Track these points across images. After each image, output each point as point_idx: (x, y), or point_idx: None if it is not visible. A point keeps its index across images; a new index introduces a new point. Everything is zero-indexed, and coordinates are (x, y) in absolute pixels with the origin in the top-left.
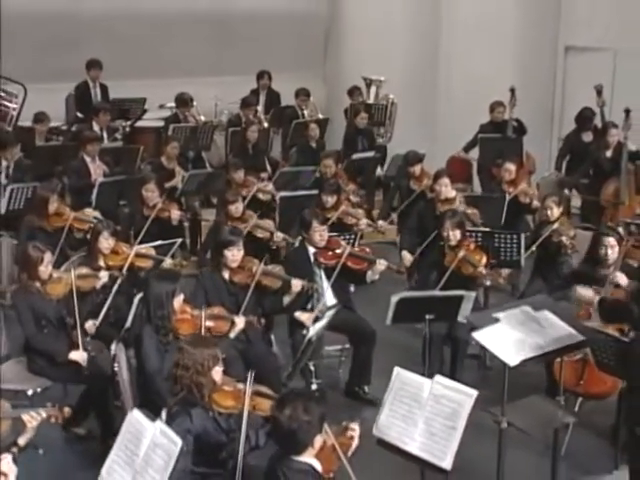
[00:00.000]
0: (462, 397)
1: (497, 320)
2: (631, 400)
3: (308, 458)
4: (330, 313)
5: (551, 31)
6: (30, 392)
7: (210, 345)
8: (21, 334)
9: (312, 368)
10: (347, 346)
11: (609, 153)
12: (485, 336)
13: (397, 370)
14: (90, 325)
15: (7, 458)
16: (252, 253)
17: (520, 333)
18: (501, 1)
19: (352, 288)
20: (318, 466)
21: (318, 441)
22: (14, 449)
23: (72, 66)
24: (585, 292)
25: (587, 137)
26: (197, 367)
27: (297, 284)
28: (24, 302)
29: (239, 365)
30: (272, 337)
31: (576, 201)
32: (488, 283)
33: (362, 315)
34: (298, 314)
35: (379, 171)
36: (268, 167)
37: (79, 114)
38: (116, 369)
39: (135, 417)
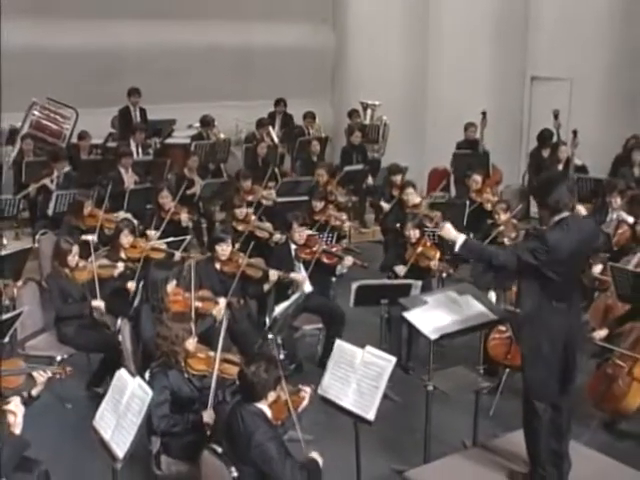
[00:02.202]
0: (385, 363)
1: (425, 302)
2: None
3: (261, 405)
4: (294, 298)
5: (519, 64)
6: (59, 358)
7: (185, 321)
8: (52, 310)
9: (280, 342)
10: (320, 326)
11: (560, 167)
12: (413, 315)
13: (338, 342)
14: (98, 303)
15: (16, 400)
16: (253, 249)
17: (442, 313)
18: (477, 40)
19: (334, 279)
20: (268, 413)
21: (271, 396)
22: (26, 396)
23: (114, 93)
24: None
25: (546, 153)
26: (172, 338)
27: (274, 274)
28: (55, 284)
29: (227, 338)
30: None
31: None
32: (445, 275)
33: (341, 301)
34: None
35: (370, 181)
36: (279, 177)
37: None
38: (120, 340)
39: (121, 374)
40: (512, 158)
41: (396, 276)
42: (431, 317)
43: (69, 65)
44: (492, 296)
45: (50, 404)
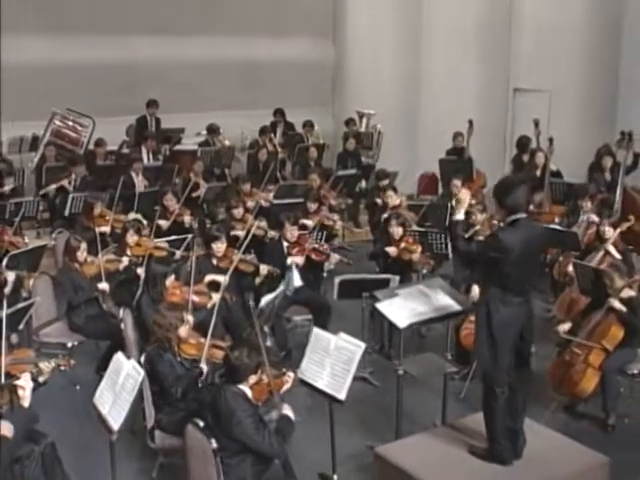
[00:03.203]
0: (355, 348)
1: (397, 294)
2: None
3: (243, 387)
4: (278, 291)
5: (503, 77)
6: (69, 345)
7: (179, 310)
8: (64, 301)
9: (266, 330)
10: (310, 317)
11: (538, 172)
12: (384, 306)
13: (314, 330)
14: (104, 286)
15: (26, 375)
16: (251, 246)
17: (412, 304)
18: (465, 55)
19: (325, 274)
20: (249, 393)
21: (252, 379)
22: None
23: (128, 103)
24: None
25: (526, 158)
26: (167, 326)
27: (264, 269)
28: (66, 277)
29: (221, 327)
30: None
31: None
32: (425, 271)
33: (331, 295)
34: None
35: (364, 184)
36: (281, 180)
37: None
38: (122, 327)
39: (118, 357)
40: (497, 163)
41: (385, 260)
42: (401, 308)
43: (87, 78)
44: (475, 289)
45: (62, 386)
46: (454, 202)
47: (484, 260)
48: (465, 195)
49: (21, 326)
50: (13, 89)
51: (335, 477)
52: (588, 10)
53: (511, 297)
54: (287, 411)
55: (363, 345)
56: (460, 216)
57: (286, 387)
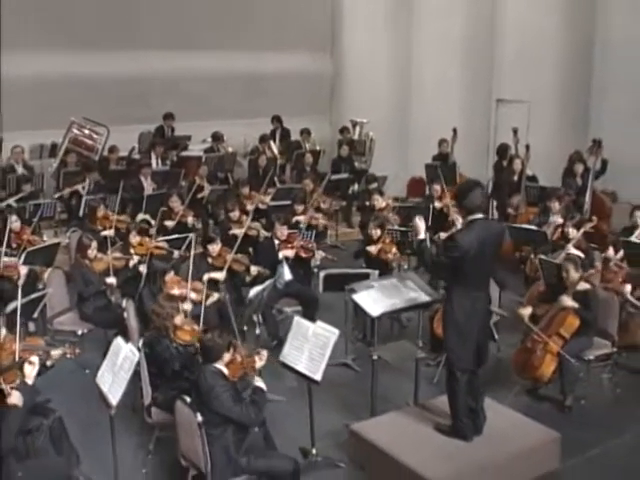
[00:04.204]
0: (330, 335)
1: (372, 287)
2: None
3: (219, 365)
4: (266, 284)
5: (486, 89)
6: (80, 332)
7: (175, 301)
8: (75, 293)
9: (255, 319)
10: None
11: (515, 177)
12: (359, 297)
13: (295, 318)
14: (111, 280)
15: (35, 358)
16: (246, 244)
17: (385, 295)
18: (451, 68)
19: (316, 270)
20: (225, 371)
21: (226, 357)
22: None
23: (140, 113)
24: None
25: (506, 164)
26: (164, 315)
27: (254, 269)
28: (78, 272)
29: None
30: None
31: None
32: (406, 266)
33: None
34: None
35: (356, 187)
36: (279, 184)
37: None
38: (125, 316)
39: (117, 342)
40: (480, 168)
41: (368, 258)
42: (375, 298)
43: (103, 90)
44: None
45: (72, 370)
46: (412, 228)
47: (448, 262)
48: (418, 222)
49: (35, 314)
50: (34, 100)
51: (314, 451)
52: (563, 28)
53: (471, 291)
54: (259, 383)
55: (337, 332)
56: (421, 236)
57: (260, 364)
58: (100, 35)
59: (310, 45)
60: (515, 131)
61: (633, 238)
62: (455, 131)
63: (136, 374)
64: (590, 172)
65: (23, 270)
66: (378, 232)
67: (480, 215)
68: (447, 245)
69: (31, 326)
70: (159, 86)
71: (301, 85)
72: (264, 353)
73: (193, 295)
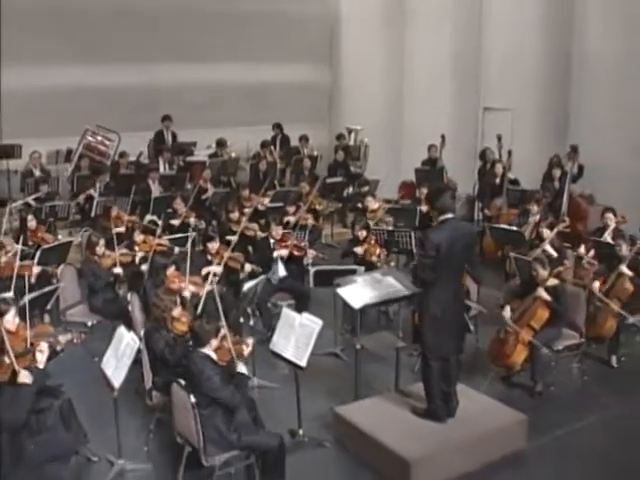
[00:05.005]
0: (315, 325)
1: (355, 281)
2: None
3: (207, 351)
4: (259, 279)
5: (474, 98)
6: (89, 323)
7: (173, 295)
8: (85, 287)
9: (249, 311)
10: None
11: (497, 180)
12: (343, 291)
13: (284, 310)
14: (119, 270)
15: (45, 345)
16: (245, 242)
17: (367, 289)
18: (441, 78)
19: (310, 268)
20: (214, 356)
21: (214, 343)
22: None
23: (149, 120)
24: None
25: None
26: (162, 308)
27: (248, 267)
28: (87, 267)
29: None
30: None
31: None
32: (393, 264)
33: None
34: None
35: (351, 190)
36: (278, 187)
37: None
38: (130, 309)
39: (120, 331)
40: (468, 172)
41: (355, 257)
42: (357, 292)
43: (114, 99)
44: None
45: (82, 358)
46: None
47: (428, 261)
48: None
49: (49, 306)
50: (51, 109)
51: (301, 431)
52: (544, 42)
53: (445, 285)
54: (242, 369)
55: (321, 322)
56: None
57: (247, 351)
58: (111, 50)
59: (309, 57)
60: (499, 138)
61: (605, 236)
62: (443, 137)
63: (138, 361)
64: (567, 176)
65: (35, 270)
66: (364, 233)
67: (451, 215)
68: (421, 242)
69: (46, 317)
70: (167, 95)
71: (301, 94)
72: (250, 341)
73: (192, 287)
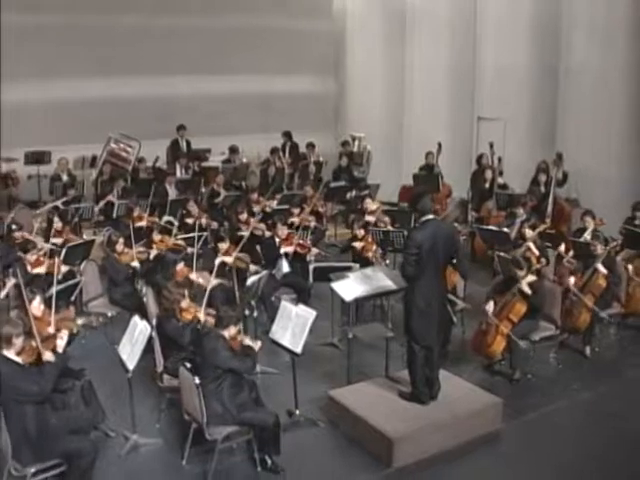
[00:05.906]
0: (309, 315)
1: (347, 277)
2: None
3: (224, 332)
4: (262, 274)
5: (469, 108)
6: (109, 314)
7: (181, 288)
8: (106, 281)
9: (253, 303)
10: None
11: (487, 185)
12: (336, 285)
13: (282, 302)
14: (136, 263)
15: (65, 332)
16: (252, 242)
17: (357, 284)
18: (439, 88)
19: (311, 265)
20: (227, 337)
21: (232, 329)
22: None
23: (167, 129)
24: None
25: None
26: (171, 299)
27: (253, 268)
28: (108, 263)
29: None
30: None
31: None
32: (387, 261)
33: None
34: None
35: (354, 193)
36: (285, 191)
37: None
38: (145, 300)
39: (134, 319)
40: (464, 177)
41: (354, 255)
42: (349, 286)
43: (135, 109)
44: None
45: (102, 345)
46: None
47: (412, 259)
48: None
49: (72, 298)
50: (78, 118)
51: (297, 412)
52: (533, 56)
53: (429, 280)
54: (249, 342)
55: (314, 313)
56: None
57: (257, 346)
58: (132, 63)
59: (317, 70)
60: (491, 145)
61: (585, 236)
62: (440, 145)
63: (150, 347)
64: (552, 181)
65: (63, 268)
66: (362, 232)
67: (431, 216)
68: (407, 243)
69: (71, 309)
70: (183, 105)
71: (308, 104)
72: (258, 343)
73: (200, 280)
